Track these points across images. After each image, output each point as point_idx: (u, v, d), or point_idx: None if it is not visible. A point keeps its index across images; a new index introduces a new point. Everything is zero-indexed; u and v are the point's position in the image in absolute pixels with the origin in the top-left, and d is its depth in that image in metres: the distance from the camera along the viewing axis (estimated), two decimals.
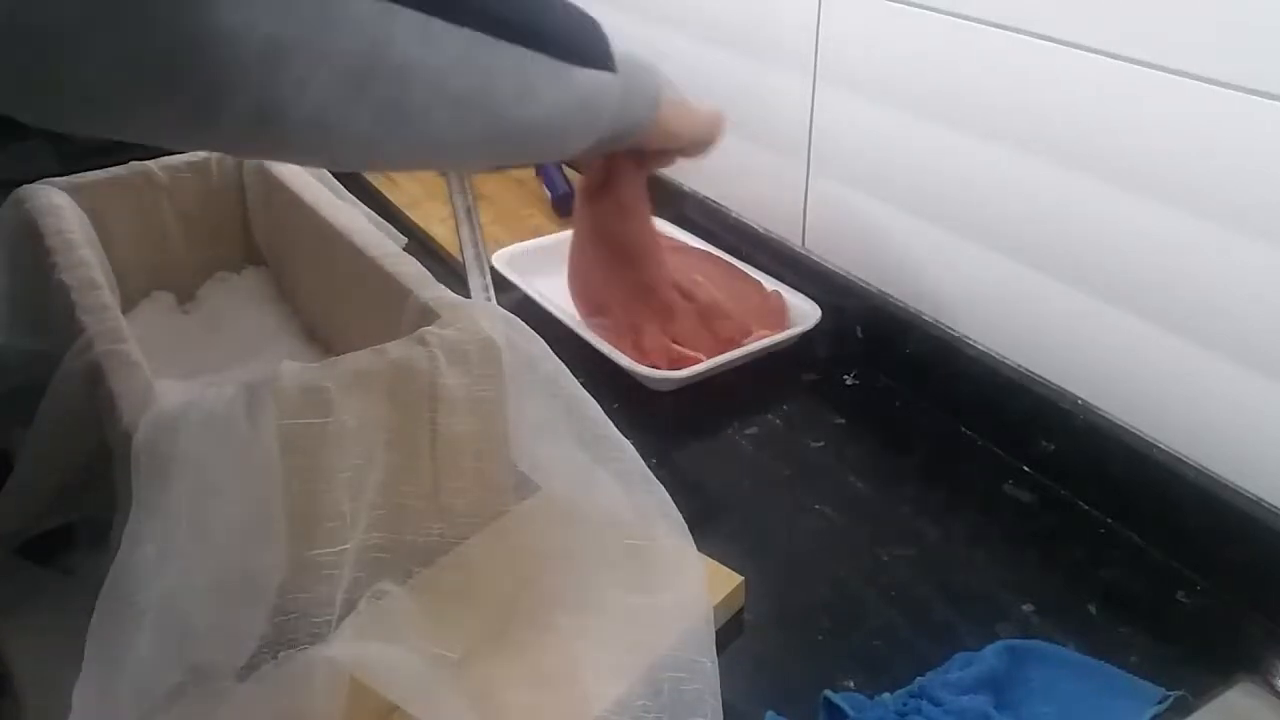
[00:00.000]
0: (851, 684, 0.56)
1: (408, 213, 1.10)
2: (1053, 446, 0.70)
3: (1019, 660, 0.55)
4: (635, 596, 0.54)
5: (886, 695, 0.53)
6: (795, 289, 0.88)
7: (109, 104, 0.35)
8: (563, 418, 0.57)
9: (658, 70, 0.60)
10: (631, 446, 0.57)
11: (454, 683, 0.49)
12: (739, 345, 0.82)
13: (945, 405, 0.78)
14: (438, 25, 0.42)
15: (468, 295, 0.91)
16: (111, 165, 0.76)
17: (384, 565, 0.53)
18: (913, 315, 0.80)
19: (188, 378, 0.73)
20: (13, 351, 0.67)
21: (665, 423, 0.78)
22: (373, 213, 0.85)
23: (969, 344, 0.76)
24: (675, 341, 0.80)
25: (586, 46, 0.51)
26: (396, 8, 0.40)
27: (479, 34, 0.44)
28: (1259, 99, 0.55)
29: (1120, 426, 0.67)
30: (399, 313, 0.60)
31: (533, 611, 0.54)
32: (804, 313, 0.86)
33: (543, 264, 0.94)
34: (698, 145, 0.66)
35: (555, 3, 0.50)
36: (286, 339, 0.79)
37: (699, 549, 0.56)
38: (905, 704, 0.52)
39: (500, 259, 0.94)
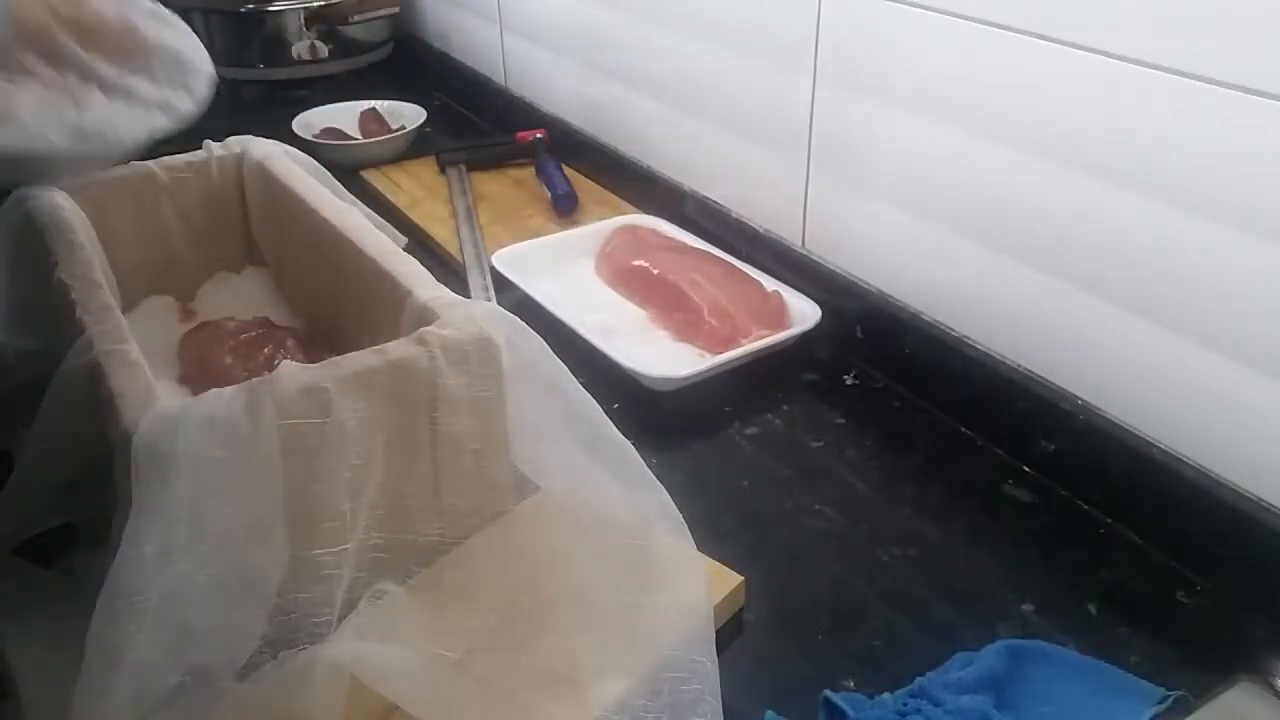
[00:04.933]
0: (851, 684, 0.56)
1: (408, 213, 1.10)
2: (1053, 446, 0.70)
3: (1019, 660, 0.55)
4: (635, 596, 0.54)
5: (886, 695, 0.53)
6: (795, 289, 0.88)
7: None
8: (563, 418, 0.57)
9: None
10: (631, 446, 0.57)
11: (454, 682, 0.49)
12: (739, 345, 0.82)
13: (945, 405, 0.78)
14: None
15: (468, 295, 0.91)
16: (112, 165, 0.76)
17: (384, 565, 0.53)
18: (913, 315, 0.80)
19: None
20: (13, 351, 0.67)
21: (665, 423, 0.78)
22: (373, 213, 0.85)
23: (969, 344, 0.76)
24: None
25: None
26: None
27: None
28: (1259, 99, 0.55)
29: (1120, 426, 0.67)
30: (399, 313, 0.60)
31: (533, 611, 0.54)
32: (804, 313, 0.86)
33: (543, 264, 0.94)
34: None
35: None
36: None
37: (699, 549, 0.56)
38: (905, 704, 0.52)
39: (500, 259, 0.94)
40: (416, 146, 1.25)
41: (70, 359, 0.56)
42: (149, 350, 0.56)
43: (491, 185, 1.17)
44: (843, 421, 0.78)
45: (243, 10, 1.39)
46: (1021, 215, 0.71)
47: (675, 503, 0.56)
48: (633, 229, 1.00)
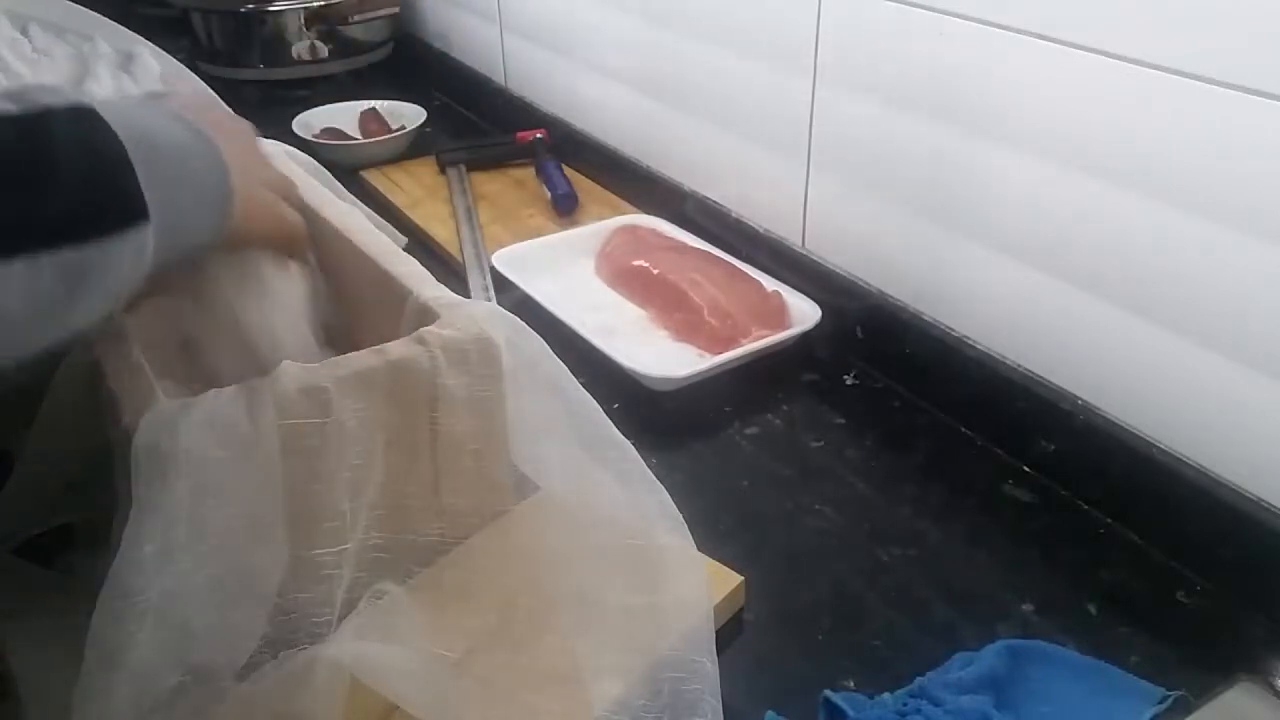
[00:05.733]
0: (851, 684, 0.56)
1: (408, 213, 1.10)
2: (1053, 446, 0.70)
3: (1019, 660, 0.55)
4: (635, 596, 0.54)
5: (886, 695, 0.53)
6: (795, 289, 0.88)
7: None
8: (563, 418, 0.57)
9: (221, 162, 0.48)
10: (631, 446, 0.57)
11: (454, 682, 0.49)
12: (739, 345, 0.82)
13: (945, 405, 0.78)
14: None
15: (468, 295, 0.91)
16: None
17: (384, 565, 0.53)
18: (913, 315, 0.80)
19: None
20: None
21: (665, 423, 0.78)
22: (373, 213, 0.84)
23: (969, 344, 0.76)
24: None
25: (71, 220, 0.40)
26: None
27: None
28: (1259, 99, 0.55)
29: (1120, 426, 0.67)
30: (399, 313, 0.60)
31: (533, 611, 0.54)
32: (804, 313, 0.86)
33: (543, 264, 0.95)
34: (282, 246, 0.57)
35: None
36: None
37: (699, 549, 0.56)
38: (905, 704, 0.52)
39: (500, 259, 0.94)
40: (416, 146, 1.26)
41: (70, 359, 0.56)
42: (150, 350, 0.56)
43: (491, 185, 1.17)
44: (843, 421, 0.78)
45: (243, 10, 1.39)
46: (1021, 215, 0.71)
47: (675, 503, 0.56)
48: (633, 229, 1.00)
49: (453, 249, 1.02)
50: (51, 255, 0.39)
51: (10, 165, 0.38)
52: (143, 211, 0.42)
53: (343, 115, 1.30)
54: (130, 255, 0.42)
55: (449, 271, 0.99)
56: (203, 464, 0.46)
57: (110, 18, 1.05)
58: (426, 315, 0.57)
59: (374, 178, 1.20)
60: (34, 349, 0.43)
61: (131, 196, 0.41)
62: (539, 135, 1.21)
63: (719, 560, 0.61)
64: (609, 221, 1.02)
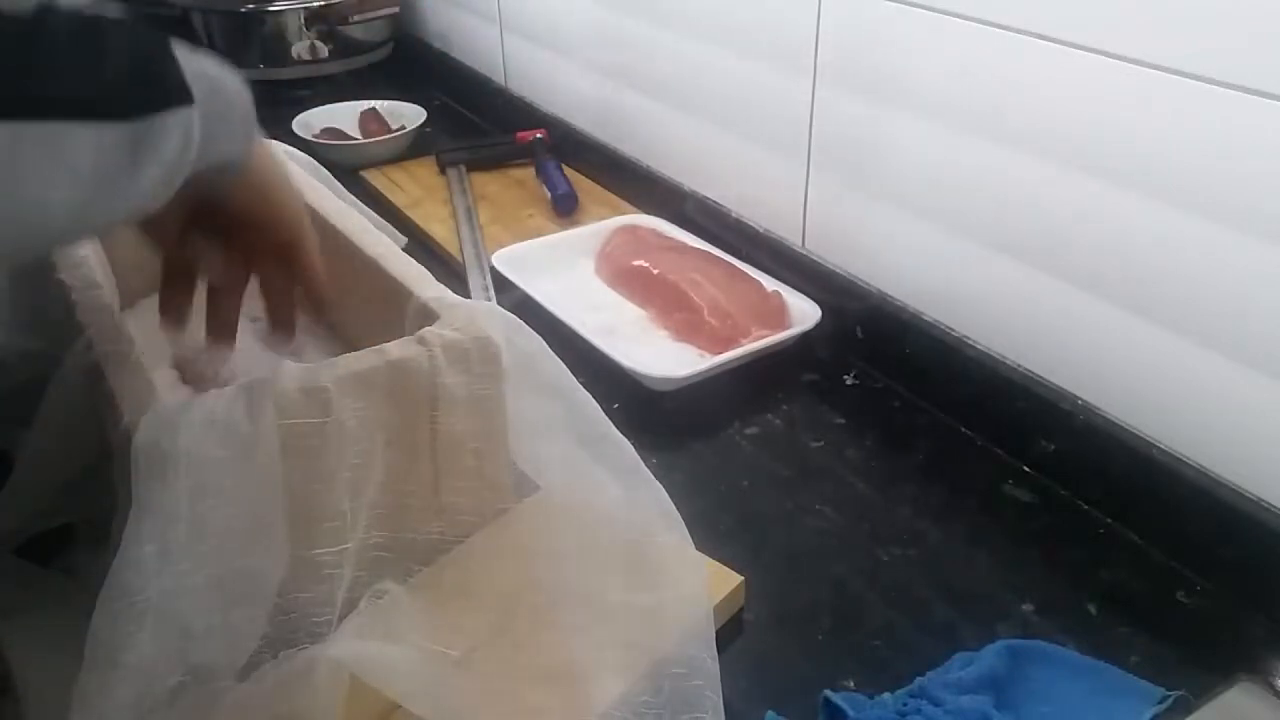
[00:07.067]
0: (851, 684, 0.56)
1: (408, 213, 1.10)
2: (1053, 446, 0.70)
3: (1019, 660, 0.55)
4: (635, 594, 0.54)
5: (886, 695, 0.53)
6: (795, 289, 0.88)
7: None
8: (563, 417, 0.57)
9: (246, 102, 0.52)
10: (631, 446, 0.57)
11: (455, 681, 0.49)
12: (739, 345, 0.82)
13: (945, 405, 0.78)
14: None
15: (468, 295, 0.91)
16: None
17: (384, 564, 0.53)
18: (913, 315, 0.80)
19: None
20: (13, 351, 0.67)
21: (665, 423, 0.78)
22: (373, 213, 0.85)
23: (969, 344, 0.76)
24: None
25: (125, 99, 0.44)
26: None
27: None
28: (1259, 99, 0.55)
29: (1120, 426, 0.67)
30: (399, 313, 0.60)
31: (533, 609, 0.54)
32: (804, 313, 0.86)
33: (543, 264, 0.95)
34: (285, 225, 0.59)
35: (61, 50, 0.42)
36: None
37: (699, 549, 0.56)
38: (905, 704, 0.52)
39: (500, 259, 0.94)
40: (416, 146, 1.25)
41: (70, 359, 0.56)
42: (149, 350, 0.56)
43: (491, 185, 1.17)
44: (843, 421, 0.78)
45: (243, 10, 1.39)
46: (1021, 215, 0.71)
47: (675, 503, 0.56)
48: (633, 229, 1.00)
49: (453, 249, 1.02)
50: (114, 125, 0.43)
51: (78, 46, 0.42)
52: (188, 96, 0.46)
53: (343, 115, 1.30)
54: (179, 135, 0.46)
55: (449, 271, 0.99)
56: (203, 464, 0.46)
57: None
58: (426, 315, 0.58)
59: (374, 178, 1.20)
60: (101, 220, 0.46)
61: (178, 81, 0.46)
62: (539, 135, 1.21)
63: (719, 560, 0.60)
64: (609, 221, 1.02)
